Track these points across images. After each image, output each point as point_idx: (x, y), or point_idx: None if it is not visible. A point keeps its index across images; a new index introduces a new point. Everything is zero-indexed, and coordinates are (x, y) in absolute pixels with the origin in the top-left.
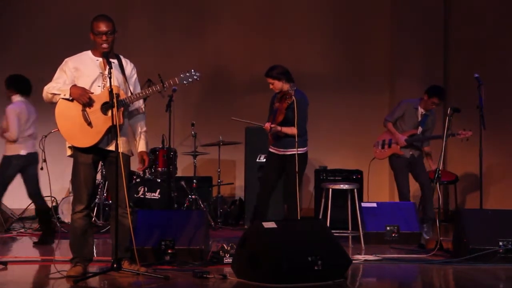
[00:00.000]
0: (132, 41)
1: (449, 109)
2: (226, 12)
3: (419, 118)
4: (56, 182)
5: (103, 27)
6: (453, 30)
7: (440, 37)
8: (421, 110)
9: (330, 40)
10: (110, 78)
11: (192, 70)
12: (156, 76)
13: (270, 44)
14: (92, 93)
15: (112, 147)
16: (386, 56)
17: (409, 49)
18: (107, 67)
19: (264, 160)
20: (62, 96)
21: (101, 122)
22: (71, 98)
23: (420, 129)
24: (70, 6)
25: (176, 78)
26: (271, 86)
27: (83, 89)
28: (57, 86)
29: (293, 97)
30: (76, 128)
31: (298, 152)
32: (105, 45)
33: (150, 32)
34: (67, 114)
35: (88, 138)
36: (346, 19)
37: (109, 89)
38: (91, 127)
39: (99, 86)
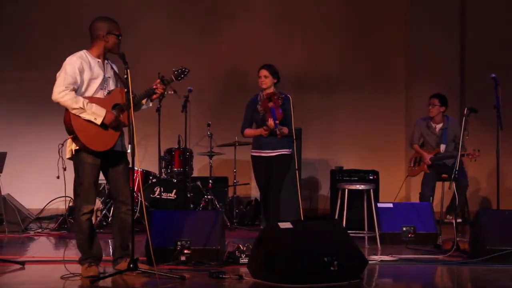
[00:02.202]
0: (146, 41)
1: (465, 109)
2: (241, 11)
3: (437, 133)
4: (72, 183)
5: (120, 30)
6: (470, 30)
7: (456, 37)
8: (434, 125)
9: (346, 40)
10: (127, 78)
11: (182, 67)
12: (167, 75)
13: (285, 43)
14: (119, 118)
15: (117, 147)
16: (402, 57)
17: (425, 49)
18: (125, 69)
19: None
20: (92, 119)
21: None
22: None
23: (442, 146)
24: (83, 6)
25: (171, 76)
26: (263, 79)
27: (115, 116)
28: (86, 106)
29: (288, 96)
30: (95, 134)
31: (286, 153)
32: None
33: (164, 32)
34: (84, 122)
35: (107, 141)
36: (362, 19)
37: (126, 91)
38: (107, 130)
39: (102, 89)
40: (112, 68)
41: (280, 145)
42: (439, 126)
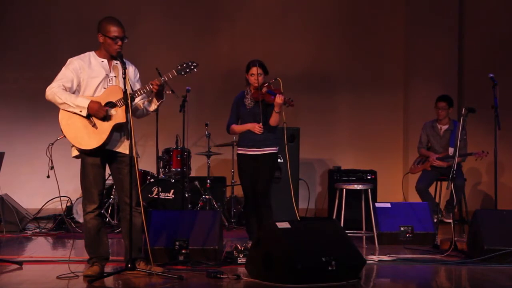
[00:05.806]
0: (145, 41)
1: (463, 109)
2: (241, 11)
3: (441, 135)
4: (71, 183)
5: (120, 32)
6: (469, 30)
7: (455, 37)
8: (439, 126)
9: (345, 40)
10: (124, 78)
11: (189, 61)
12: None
13: (283, 44)
14: (107, 109)
15: (120, 149)
16: (400, 57)
17: (424, 50)
18: (122, 69)
19: (278, 160)
20: (77, 112)
21: (105, 123)
22: (87, 114)
23: (450, 149)
24: (81, 5)
25: (174, 70)
26: (258, 78)
27: (99, 104)
28: (70, 99)
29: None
30: (81, 131)
31: (274, 151)
32: (119, 50)
33: (163, 31)
34: (71, 119)
35: (94, 140)
36: (361, 19)
37: (124, 90)
38: (96, 128)
39: (104, 88)
40: (124, 68)
41: (268, 142)
42: (444, 127)
